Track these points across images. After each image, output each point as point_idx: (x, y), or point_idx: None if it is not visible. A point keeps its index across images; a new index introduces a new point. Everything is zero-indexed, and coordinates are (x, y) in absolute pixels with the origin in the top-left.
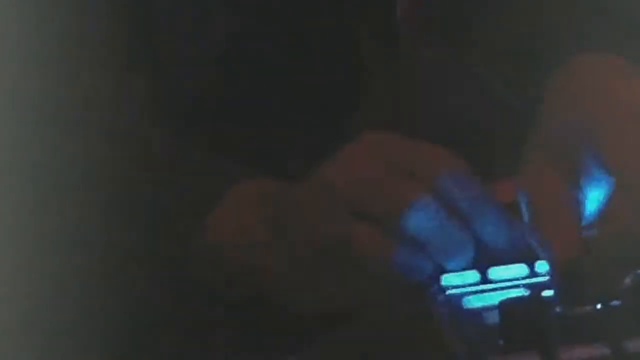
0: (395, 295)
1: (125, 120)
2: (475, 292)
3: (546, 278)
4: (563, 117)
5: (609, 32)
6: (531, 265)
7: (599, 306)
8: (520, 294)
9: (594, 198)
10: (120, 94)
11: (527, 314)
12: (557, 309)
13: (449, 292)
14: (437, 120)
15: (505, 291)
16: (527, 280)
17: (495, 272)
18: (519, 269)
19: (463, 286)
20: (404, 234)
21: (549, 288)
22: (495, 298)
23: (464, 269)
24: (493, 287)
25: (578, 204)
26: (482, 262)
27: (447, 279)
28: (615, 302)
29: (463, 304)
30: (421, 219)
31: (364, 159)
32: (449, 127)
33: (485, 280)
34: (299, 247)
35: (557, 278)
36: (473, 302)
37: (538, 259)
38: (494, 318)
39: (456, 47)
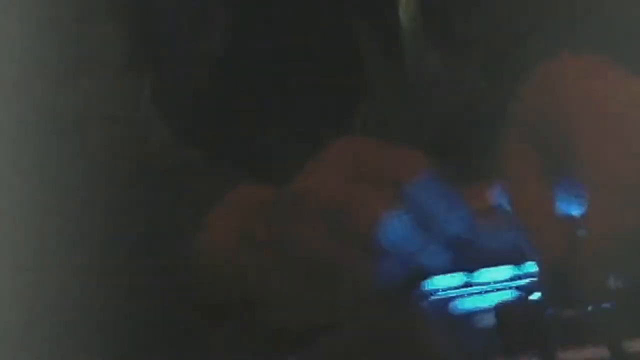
0: (381, 302)
1: (122, 121)
2: (463, 295)
3: (534, 279)
4: (543, 117)
5: (595, 33)
6: (518, 267)
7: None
8: (513, 296)
9: (578, 198)
10: (118, 93)
11: (525, 316)
12: (552, 311)
13: (435, 295)
14: (437, 121)
15: (492, 293)
16: (515, 282)
17: (482, 275)
18: (505, 271)
19: (450, 289)
20: (380, 242)
21: (538, 290)
22: (483, 301)
23: (450, 272)
24: (480, 289)
25: (562, 204)
26: (468, 264)
27: (433, 282)
28: (605, 304)
29: (451, 307)
30: (396, 227)
31: (337, 165)
32: (450, 128)
33: (472, 282)
34: (281, 256)
35: (545, 279)
36: (461, 305)
37: (525, 260)
38: (485, 321)
39: (454, 47)
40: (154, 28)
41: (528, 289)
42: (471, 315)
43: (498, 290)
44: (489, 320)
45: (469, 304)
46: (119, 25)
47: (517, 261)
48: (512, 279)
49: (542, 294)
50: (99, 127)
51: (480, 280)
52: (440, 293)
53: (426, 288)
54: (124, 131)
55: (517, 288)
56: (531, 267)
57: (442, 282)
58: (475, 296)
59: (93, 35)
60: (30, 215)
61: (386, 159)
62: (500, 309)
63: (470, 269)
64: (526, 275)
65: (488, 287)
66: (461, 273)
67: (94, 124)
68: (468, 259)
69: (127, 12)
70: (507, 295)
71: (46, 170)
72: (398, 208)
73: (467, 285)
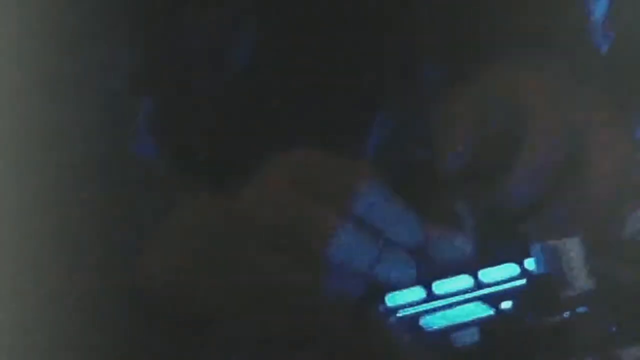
0: (339, 318)
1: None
2: (430, 311)
3: (493, 288)
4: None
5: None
6: (475, 275)
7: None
8: (490, 313)
9: None
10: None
11: (509, 329)
12: (531, 319)
13: (400, 313)
14: None
15: (459, 307)
16: (475, 293)
17: (440, 286)
18: (463, 281)
19: (412, 305)
20: (332, 257)
21: (503, 299)
22: (451, 316)
23: (407, 285)
24: (444, 303)
25: None
26: (425, 277)
27: (393, 299)
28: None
29: (422, 325)
30: (349, 241)
31: (279, 179)
32: None
33: (431, 295)
34: (226, 271)
35: None
36: (432, 323)
37: (480, 268)
38: (463, 338)
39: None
40: (154, 47)
41: (493, 299)
42: (446, 332)
43: (463, 302)
44: (468, 337)
45: (438, 320)
46: (121, 44)
47: (473, 269)
48: (470, 290)
49: (519, 301)
50: (85, 139)
51: (439, 292)
52: (404, 310)
53: (388, 305)
54: (108, 145)
55: (482, 299)
56: (487, 274)
57: (402, 298)
58: (442, 311)
59: (94, 50)
60: (17, 219)
61: (333, 171)
62: (484, 325)
63: (427, 281)
64: (484, 284)
65: (451, 301)
66: (419, 287)
67: (81, 137)
68: (424, 271)
69: (129, 31)
70: (475, 308)
71: (28, 178)
72: (349, 221)
73: (429, 299)
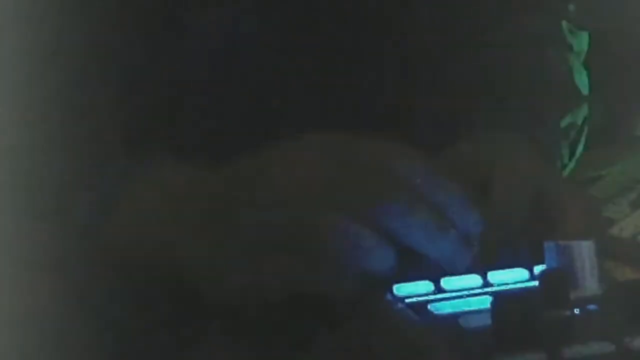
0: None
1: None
2: (436, 300)
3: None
4: None
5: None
6: (484, 275)
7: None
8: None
9: None
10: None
11: (523, 314)
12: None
13: (407, 300)
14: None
15: (461, 299)
16: (484, 290)
17: (448, 282)
18: (472, 279)
19: (418, 296)
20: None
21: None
22: (455, 306)
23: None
24: (448, 296)
25: None
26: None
27: (400, 289)
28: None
29: (428, 310)
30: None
31: (308, 156)
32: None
33: (438, 289)
34: (235, 235)
35: None
36: (438, 309)
37: (490, 268)
38: (470, 322)
39: None
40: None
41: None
42: (455, 316)
43: (467, 296)
44: (477, 320)
45: (446, 307)
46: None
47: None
48: (478, 288)
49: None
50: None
51: (448, 287)
52: (412, 299)
53: (395, 294)
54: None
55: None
56: (496, 275)
57: (410, 289)
58: (446, 302)
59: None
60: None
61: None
62: (498, 308)
63: (437, 275)
64: (492, 284)
65: (456, 294)
66: (427, 281)
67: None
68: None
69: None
70: (484, 299)
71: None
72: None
73: (436, 292)
